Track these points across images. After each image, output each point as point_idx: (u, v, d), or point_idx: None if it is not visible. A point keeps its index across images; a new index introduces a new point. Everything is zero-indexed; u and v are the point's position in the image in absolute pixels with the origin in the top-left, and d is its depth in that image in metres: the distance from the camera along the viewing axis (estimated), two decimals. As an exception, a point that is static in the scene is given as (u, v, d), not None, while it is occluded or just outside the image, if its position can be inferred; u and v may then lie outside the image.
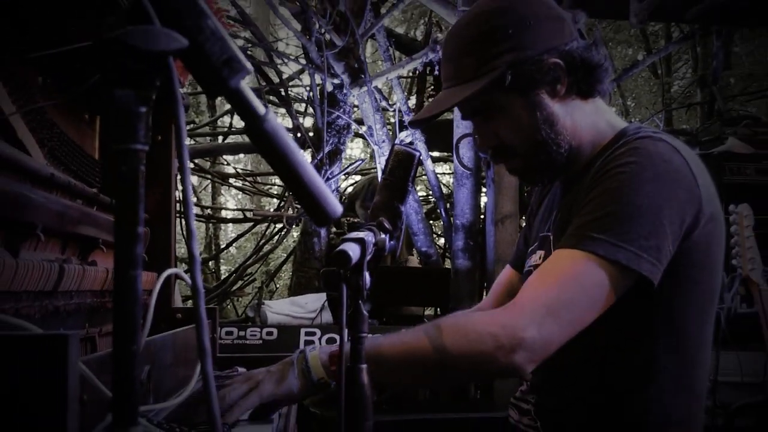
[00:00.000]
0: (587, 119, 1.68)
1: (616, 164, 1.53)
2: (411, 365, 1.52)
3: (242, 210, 8.18)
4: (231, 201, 10.15)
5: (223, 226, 8.71)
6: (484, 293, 4.31)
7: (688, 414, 1.61)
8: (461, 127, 4.17)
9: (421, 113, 1.82)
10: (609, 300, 1.46)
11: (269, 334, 3.34)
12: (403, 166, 1.44)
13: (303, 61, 4.70)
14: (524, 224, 1.98)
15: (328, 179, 4.55)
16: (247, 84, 0.75)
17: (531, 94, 1.63)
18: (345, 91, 4.45)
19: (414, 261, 4.80)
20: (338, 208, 0.83)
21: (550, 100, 1.63)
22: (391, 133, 4.58)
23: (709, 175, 1.60)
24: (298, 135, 4.79)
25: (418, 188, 6.69)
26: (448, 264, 4.86)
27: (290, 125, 5.06)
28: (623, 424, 1.60)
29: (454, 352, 1.46)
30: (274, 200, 7.42)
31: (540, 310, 1.46)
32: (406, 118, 4.47)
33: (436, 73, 4.57)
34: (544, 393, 1.70)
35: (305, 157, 0.88)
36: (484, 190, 4.31)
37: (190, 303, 3.55)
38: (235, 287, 6.28)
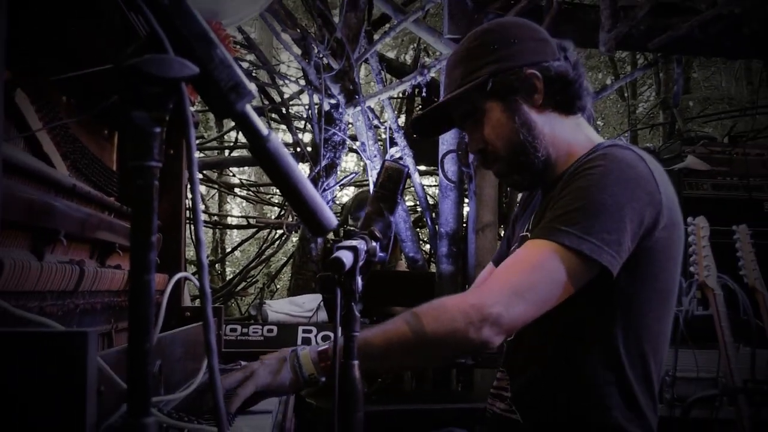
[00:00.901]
0: (566, 132, 1.71)
1: (586, 167, 1.57)
2: (394, 350, 1.53)
3: (246, 217, 8.16)
4: (236, 209, 10.13)
5: (228, 231, 8.68)
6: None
7: (645, 400, 1.62)
8: (446, 143, 4.18)
9: (419, 113, 1.90)
10: (571, 286, 1.49)
11: (270, 331, 3.33)
12: (393, 179, 1.45)
13: (302, 83, 4.70)
14: (509, 228, 2.01)
15: (324, 190, 4.55)
16: (251, 103, 0.76)
17: (510, 100, 1.68)
18: (341, 110, 4.45)
19: (402, 265, 4.80)
20: (333, 220, 0.83)
21: (529, 108, 1.68)
22: (382, 148, 4.58)
23: (672, 187, 1.63)
24: (298, 149, 4.78)
25: (406, 199, 6.69)
26: (433, 268, 4.86)
27: (290, 140, 5.06)
28: (590, 408, 1.61)
29: (430, 332, 1.49)
30: (275, 209, 7.40)
31: (506, 290, 1.49)
32: (396, 136, 4.48)
33: (424, 94, 4.59)
34: (519, 382, 1.71)
35: (304, 173, 0.88)
36: (466, 201, 4.32)
37: (197, 302, 3.54)
38: (239, 288, 6.26)
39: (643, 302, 1.60)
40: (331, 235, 4.73)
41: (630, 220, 1.50)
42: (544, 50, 1.70)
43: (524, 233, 1.77)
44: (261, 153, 0.77)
